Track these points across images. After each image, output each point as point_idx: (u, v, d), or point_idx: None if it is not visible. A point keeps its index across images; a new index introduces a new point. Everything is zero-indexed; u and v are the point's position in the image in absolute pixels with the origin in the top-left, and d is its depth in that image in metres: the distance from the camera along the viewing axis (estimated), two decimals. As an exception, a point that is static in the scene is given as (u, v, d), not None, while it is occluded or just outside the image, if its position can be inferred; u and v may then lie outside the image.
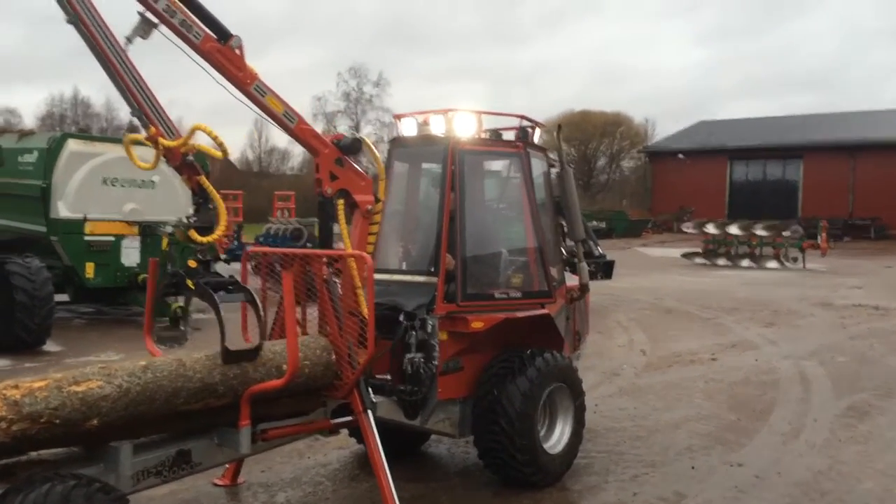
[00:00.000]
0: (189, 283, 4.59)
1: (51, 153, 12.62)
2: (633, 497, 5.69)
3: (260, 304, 4.69)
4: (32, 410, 3.66)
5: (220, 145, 4.66)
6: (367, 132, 58.81)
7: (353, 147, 5.32)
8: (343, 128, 58.79)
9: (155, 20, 4.51)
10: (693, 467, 6.37)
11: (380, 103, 60.96)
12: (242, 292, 4.71)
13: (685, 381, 9.47)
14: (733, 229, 27.91)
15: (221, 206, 4.77)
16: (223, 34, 4.68)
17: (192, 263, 4.66)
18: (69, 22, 4.40)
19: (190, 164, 4.65)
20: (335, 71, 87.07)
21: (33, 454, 3.95)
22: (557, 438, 5.96)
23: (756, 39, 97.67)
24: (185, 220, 4.70)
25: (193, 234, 4.66)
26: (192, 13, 4.60)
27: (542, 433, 5.82)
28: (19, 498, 3.33)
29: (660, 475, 6.18)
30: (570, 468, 6.01)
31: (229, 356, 4.39)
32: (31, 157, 13.08)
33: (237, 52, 4.73)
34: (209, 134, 4.58)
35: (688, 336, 12.81)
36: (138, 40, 4.54)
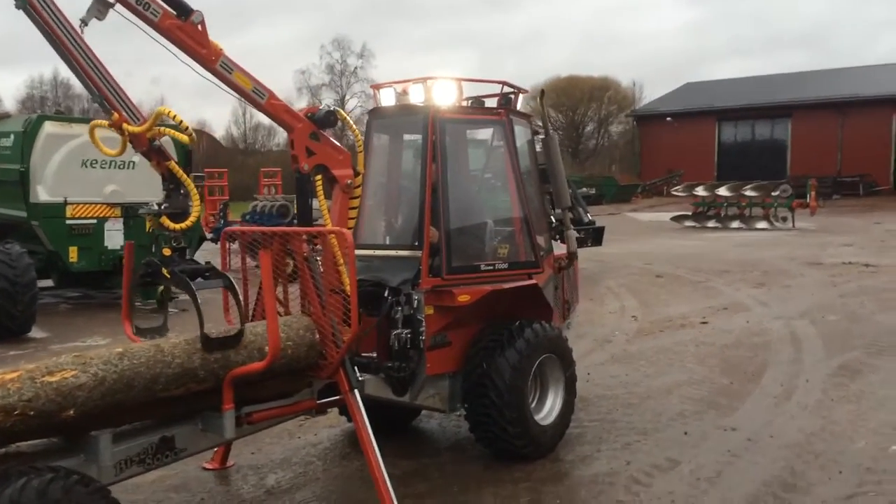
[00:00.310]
0: (164, 271, 4.45)
1: (27, 136, 12.39)
2: (626, 465, 5.65)
3: (239, 290, 4.56)
4: (5, 403, 3.54)
5: (185, 129, 4.49)
6: (352, 105, 58.34)
7: (327, 120, 5.16)
8: (328, 101, 58.30)
9: (111, 0, 4.29)
10: (686, 433, 6.34)
11: (364, 75, 60.50)
12: (220, 278, 4.59)
13: (677, 346, 9.44)
14: (723, 191, 27.90)
15: (194, 192, 4.62)
16: (183, 10, 4.46)
17: (166, 251, 4.52)
18: (18, 7, 4.15)
19: (157, 149, 4.49)
20: (318, 44, 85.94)
21: (10, 447, 3.86)
22: (549, 409, 5.90)
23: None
24: (156, 207, 4.54)
25: (166, 221, 4.52)
26: None
27: (532, 405, 5.76)
28: (-8, 494, 3.23)
29: (652, 442, 6.15)
30: (563, 438, 5.97)
31: (209, 344, 4.27)
32: (7, 141, 12.84)
33: (199, 27, 4.52)
34: (174, 119, 4.41)
35: (679, 300, 12.78)
36: (94, 22, 4.32)
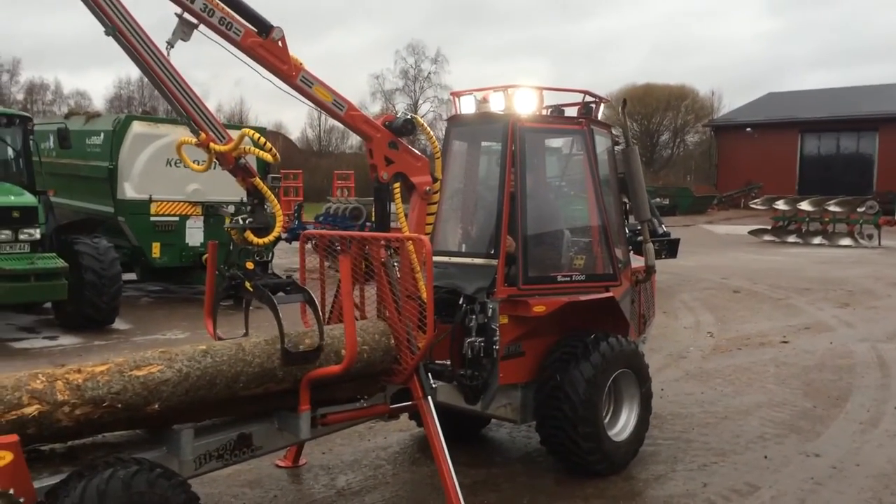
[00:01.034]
0: (247, 285, 4.55)
1: (116, 135, 12.86)
2: (703, 488, 5.48)
3: (316, 293, 4.62)
4: (95, 395, 3.67)
5: (270, 150, 4.59)
6: (424, 110, 58.76)
7: (405, 128, 5.19)
8: (401, 105, 58.91)
9: (194, 21, 4.40)
10: (766, 457, 6.11)
11: (438, 80, 60.77)
12: (301, 293, 4.66)
13: (755, 366, 9.13)
14: (805, 205, 26.90)
15: (277, 208, 4.72)
16: (264, 27, 4.55)
17: (249, 265, 4.62)
18: (107, 34, 4.30)
19: (243, 166, 4.60)
20: (393, 49, 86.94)
21: (97, 437, 3.99)
22: (623, 425, 5.78)
23: (829, 7, 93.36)
24: (241, 222, 4.64)
25: (249, 236, 4.62)
26: (231, 9, 4.47)
27: (606, 420, 5.66)
28: (82, 483, 3.34)
29: (730, 465, 5.95)
30: (636, 456, 5.83)
31: (289, 358, 4.34)
32: (97, 140, 13.37)
33: (279, 44, 4.59)
34: (256, 141, 4.51)
35: (757, 317, 12.37)
36: (179, 43, 4.44)
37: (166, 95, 4.47)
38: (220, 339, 4.79)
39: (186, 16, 4.37)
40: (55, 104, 58.88)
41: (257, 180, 4.63)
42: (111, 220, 12.83)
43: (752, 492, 5.44)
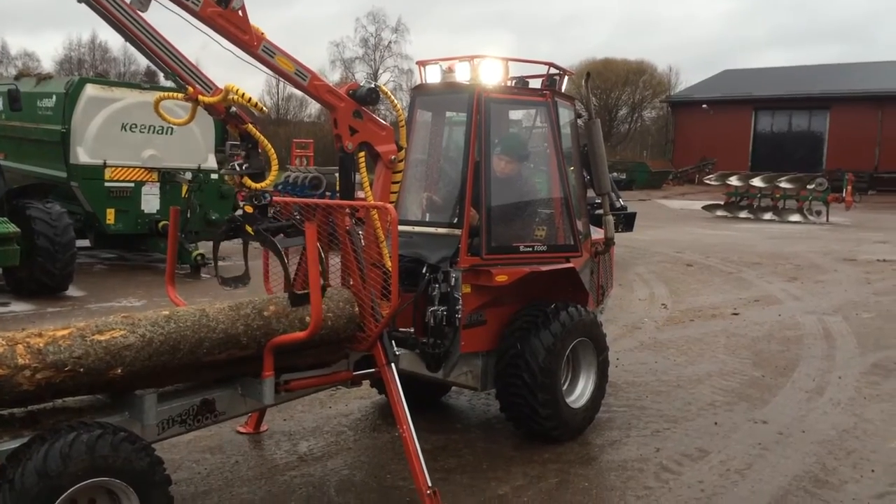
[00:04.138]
0: (248, 228, 4.56)
1: (69, 98, 12.52)
2: (656, 452, 5.67)
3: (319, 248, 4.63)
4: (56, 359, 3.63)
5: (255, 105, 4.55)
6: (385, 79, 58.17)
7: (369, 97, 5.15)
8: (361, 75, 58.21)
9: None
10: (716, 423, 6.33)
11: (399, 50, 60.25)
12: (301, 235, 4.65)
13: (707, 336, 9.39)
14: (756, 181, 27.53)
15: (271, 152, 4.72)
16: None
17: (248, 209, 4.63)
18: (79, 1, 4.19)
19: (234, 114, 4.56)
20: (354, 17, 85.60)
21: (57, 402, 3.96)
22: (580, 393, 5.93)
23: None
24: (236, 167, 4.63)
25: (247, 181, 4.62)
26: None
27: (564, 387, 5.79)
28: (45, 447, 3.32)
29: (682, 431, 6.15)
30: (593, 422, 5.99)
31: (296, 299, 4.38)
32: (49, 102, 13.00)
33: (239, 13, 4.51)
34: (241, 96, 4.47)
35: (709, 290, 12.70)
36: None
37: (148, 55, 4.38)
38: (223, 279, 4.79)
39: None
40: (1, 65, 56.83)
41: (250, 126, 4.60)
42: (64, 185, 12.54)
43: (702, 456, 5.64)
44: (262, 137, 4.66)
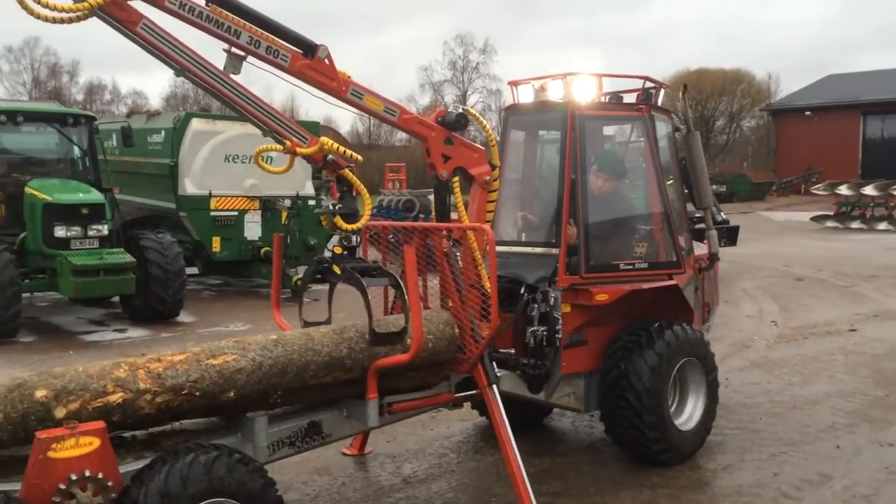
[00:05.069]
0: (335, 268, 4.67)
1: (176, 132, 13.19)
2: (774, 477, 5.39)
3: (404, 288, 4.69)
4: (174, 383, 3.79)
5: (350, 157, 4.69)
6: (473, 101, 58.61)
7: (459, 123, 5.18)
8: (449, 97, 58.81)
9: (242, 53, 4.45)
10: (838, 447, 5.98)
11: (486, 71, 60.56)
12: (387, 277, 4.75)
13: (823, 354, 8.91)
14: (869, 190, 26.06)
15: (365, 195, 4.85)
16: (309, 48, 4.55)
17: (337, 250, 4.76)
18: (178, 75, 4.40)
19: (331, 161, 4.70)
20: (442, 41, 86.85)
21: (175, 424, 4.12)
22: (689, 415, 5.72)
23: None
24: (330, 207, 4.77)
25: (339, 221, 4.74)
26: (276, 36, 4.49)
27: (672, 409, 5.60)
28: (165, 468, 3.45)
29: (801, 455, 5.83)
30: (703, 446, 5.76)
31: (377, 339, 4.43)
32: (158, 137, 13.73)
33: (326, 62, 4.62)
34: (336, 150, 4.62)
35: (822, 305, 12.06)
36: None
37: (245, 116, 4.57)
38: (306, 323, 4.91)
39: (234, 50, 4.42)
40: (113, 104, 60.63)
41: (346, 171, 4.75)
42: (173, 216, 13.16)
43: (824, 482, 5.32)
44: (357, 181, 4.78)
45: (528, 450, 5.63)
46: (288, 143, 4.59)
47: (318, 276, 4.87)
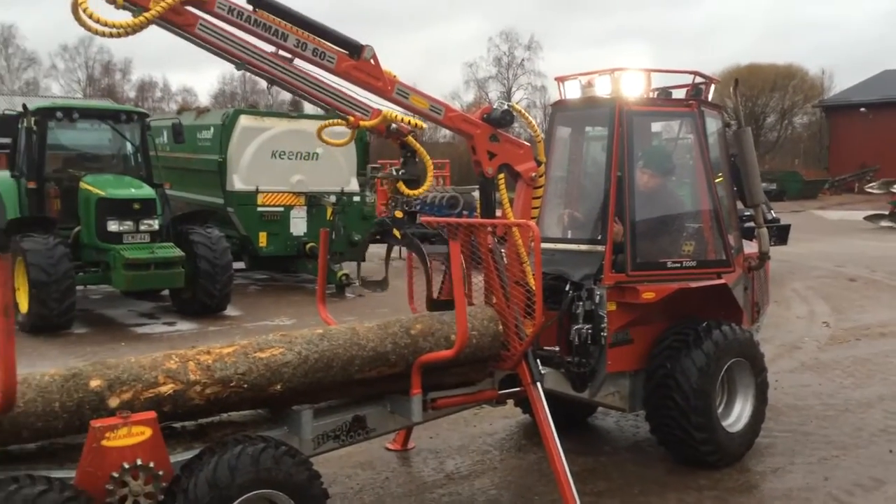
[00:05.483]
0: (396, 232, 4.72)
1: (225, 129, 13.41)
2: (824, 481, 5.26)
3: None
4: (223, 375, 3.85)
5: (409, 123, 4.73)
6: (518, 97, 58.38)
7: (504, 119, 5.15)
8: (494, 94, 58.66)
9: (289, 56, 4.50)
10: (891, 451, 5.82)
11: (532, 67, 60.30)
12: (446, 244, 4.77)
13: (877, 357, 8.66)
14: (927, 188, 25.24)
15: (428, 161, 4.91)
16: (355, 49, 4.57)
17: (398, 214, 4.83)
18: (239, 69, 4.47)
19: (395, 130, 4.78)
20: (487, 37, 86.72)
21: (223, 416, 4.19)
22: (737, 416, 5.62)
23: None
24: (393, 173, 4.83)
25: (401, 187, 4.82)
26: (322, 38, 4.52)
27: (720, 410, 5.51)
28: (214, 458, 3.51)
29: (853, 458, 5.68)
30: (751, 448, 5.65)
31: (434, 305, 4.54)
32: (207, 134, 13.97)
33: (372, 62, 4.64)
34: (401, 121, 4.68)
35: (876, 306, 11.73)
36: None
37: (308, 100, 4.65)
38: (364, 281, 5.11)
39: (281, 52, 4.47)
40: (164, 101, 61.95)
41: (409, 138, 4.82)
42: (221, 211, 13.38)
43: (877, 487, 5.18)
44: (419, 147, 4.85)
45: (571, 448, 5.59)
46: (351, 118, 4.65)
47: (378, 237, 4.93)
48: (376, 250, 5.23)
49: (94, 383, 3.56)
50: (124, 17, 3.96)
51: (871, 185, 29.90)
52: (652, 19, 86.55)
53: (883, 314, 11.11)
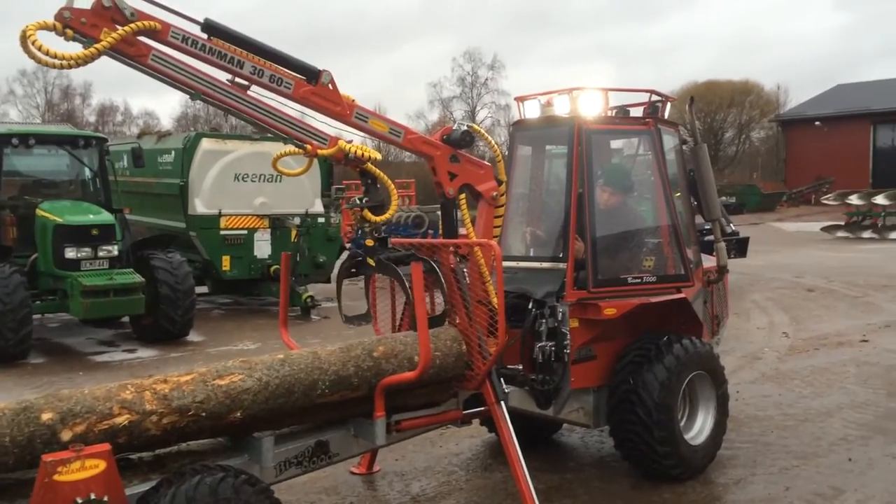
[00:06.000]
0: (370, 260, 4.71)
1: (186, 152, 13.26)
2: (786, 492, 5.33)
3: (441, 275, 4.76)
4: (180, 404, 3.79)
5: (368, 157, 4.74)
6: (482, 116, 58.77)
7: (464, 140, 5.19)
8: (459, 113, 58.97)
9: (245, 83, 4.49)
10: (850, 459, 5.91)
11: (495, 86, 60.74)
12: (420, 263, 4.77)
13: (834, 366, 8.83)
14: (880, 199, 25.85)
15: (390, 186, 4.93)
16: (312, 74, 4.57)
17: (369, 242, 4.83)
18: (194, 99, 4.46)
19: (353, 158, 4.75)
20: (451, 57, 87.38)
21: (182, 445, 4.12)
22: (699, 429, 5.67)
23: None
24: (357, 202, 4.82)
25: (367, 214, 4.80)
26: (279, 64, 4.51)
27: (682, 423, 5.55)
28: (171, 490, 3.44)
29: (813, 468, 5.77)
30: (714, 460, 5.70)
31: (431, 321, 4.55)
32: (169, 157, 13.81)
33: (330, 87, 4.65)
34: (354, 151, 4.67)
35: (834, 316, 11.97)
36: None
37: (264, 129, 4.63)
38: (347, 318, 5.06)
39: (238, 80, 4.46)
40: (125, 125, 61.17)
41: (369, 165, 4.81)
42: (183, 235, 13.21)
43: (837, 495, 5.26)
44: (380, 173, 4.85)
45: (537, 466, 5.61)
46: (308, 146, 4.63)
47: (353, 270, 4.92)
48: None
49: (46, 416, 3.47)
50: (75, 48, 3.92)
51: (826, 196, 30.60)
52: (613, 38, 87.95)
53: (840, 323, 11.33)
